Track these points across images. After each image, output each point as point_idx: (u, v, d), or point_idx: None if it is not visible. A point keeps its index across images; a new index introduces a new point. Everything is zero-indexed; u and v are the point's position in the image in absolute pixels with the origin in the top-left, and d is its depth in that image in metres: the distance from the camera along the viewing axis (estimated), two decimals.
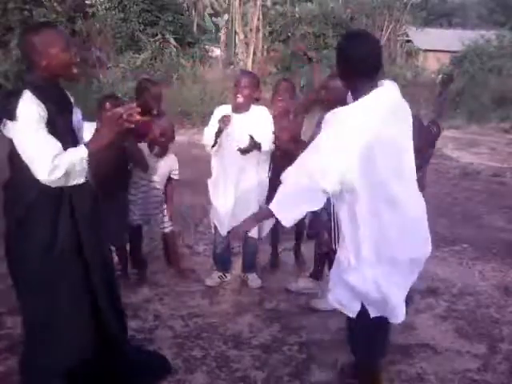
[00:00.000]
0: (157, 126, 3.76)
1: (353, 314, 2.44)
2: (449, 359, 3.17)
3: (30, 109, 2.18)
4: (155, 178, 3.88)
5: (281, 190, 2.34)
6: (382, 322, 2.44)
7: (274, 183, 4.03)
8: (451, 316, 3.69)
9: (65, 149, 2.26)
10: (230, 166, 3.78)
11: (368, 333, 2.47)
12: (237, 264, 4.29)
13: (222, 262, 4.10)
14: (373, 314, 2.39)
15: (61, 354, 2.42)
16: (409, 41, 23.55)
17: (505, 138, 11.92)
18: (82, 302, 2.44)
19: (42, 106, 2.22)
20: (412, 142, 2.38)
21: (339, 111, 2.30)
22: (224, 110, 3.85)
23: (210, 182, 3.97)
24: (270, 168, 4.03)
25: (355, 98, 2.30)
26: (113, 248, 3.91)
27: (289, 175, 2.35)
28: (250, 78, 3.83)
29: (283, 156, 3.77)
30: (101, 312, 2.51)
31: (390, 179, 2.26)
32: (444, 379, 2.97)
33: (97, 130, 2.39)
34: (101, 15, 13.51)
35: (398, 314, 2.41)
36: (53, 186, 2.24)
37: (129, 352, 2.80)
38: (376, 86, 2.29)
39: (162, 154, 3.88)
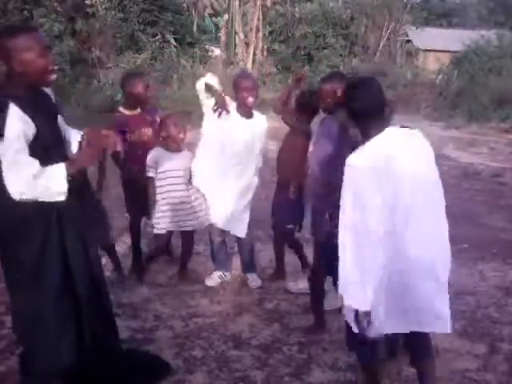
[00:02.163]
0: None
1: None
2: (449, 359, 3.17)
3: (15, 127, 2.12)
4: (178, 173, 3.82)
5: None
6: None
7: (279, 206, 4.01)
8: (451, 316, 3.68)
9: (56, 158, 2.26)
10: (232, 168, 3.79)
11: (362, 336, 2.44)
12: (237, 264, 4.29)
13: (220, 260, 4.10)
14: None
15: (54, 354, 2.43)
16: (409, 41, 23.54)
17: (505, 138, 11.91)
18: (67, 303, 2.44)
19: (29, 120, 2.16)
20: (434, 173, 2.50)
21: (351, 162, 2.32)
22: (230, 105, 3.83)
23: (202, 181, 3.89)
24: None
25: (364, 139, 2.38)
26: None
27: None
28: (254, 79, 3.92)
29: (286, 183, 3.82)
30: (86, 314, 2.51)
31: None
32: (444, 379, 2.97)
33: (81, 150, 2.35)
34: (101, 15, 13.48)
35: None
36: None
37: (125, 353, 2.80)
38: (386, 126, 2.37)
39: (177, 149, 3.85)
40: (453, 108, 14.50)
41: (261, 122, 3.89)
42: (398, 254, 2.30)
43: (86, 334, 2.51)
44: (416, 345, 2.64)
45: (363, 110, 2.37)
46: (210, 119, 3.79)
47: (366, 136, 2.37)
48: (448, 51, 21.85)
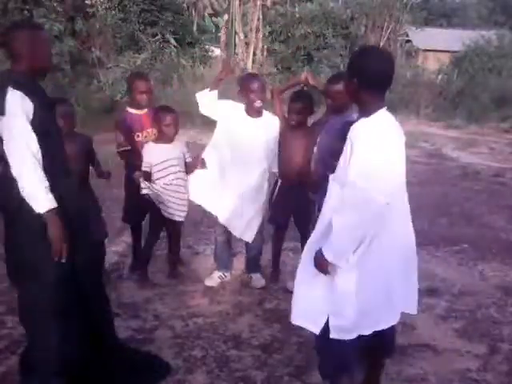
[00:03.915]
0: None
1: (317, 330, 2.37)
2: (449, 359, 3.17)
3: (16, 104, 2.26)
4: (173, 162, 3.84)
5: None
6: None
7: (280, 203, 3.99)
8: (451, 316, 3.69)
9: (54, 147, 2.39)
10: (238, 167, 3.78)
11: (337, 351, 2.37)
12: (237, 264, 4.29)
13: (222, 260, 4.09)
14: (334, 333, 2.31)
15: (56, 348, 2.43)
16: (409, 41, 23.53)
17: (505, 138, 11.92)
18: (66, 298, 2.46)
19: (27, 99, 2.29)
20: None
21: (365, 128, 2.24)
22: (237, 107, 3.83)
23: (209, 181, 3.91)
24: (273, 186, 4.03)
25: (366, 113, 2.27)
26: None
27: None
28: (262, 81, 3.86)
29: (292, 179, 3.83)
30: (89, 307, 2.54)
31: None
32: (444, 379, 2.97)
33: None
34: (101, 15, 13.47)
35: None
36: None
37: (125, 353, 2.81)
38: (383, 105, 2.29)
39: (168, 141, 3.86)
40: (453, 108, 14.50)
41: (271, 122, 3.86)
42: (396, 228, 2.29)
43: (86, 333, 2.52)
44: (386, 341, 2.56)
45: (376, 77, 2.24)
46: (221, 122, 3.84)
47: (366, 111, 2.26)
48: (448, 51, 21.87)
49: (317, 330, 2.37)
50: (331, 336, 2.31)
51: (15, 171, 2.25)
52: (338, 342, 2.32)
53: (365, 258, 2.25)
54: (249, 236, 3.93)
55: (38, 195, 2.26)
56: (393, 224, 2.27)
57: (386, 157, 2.17)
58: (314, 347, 2.58)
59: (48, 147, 2.34)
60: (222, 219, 3.89)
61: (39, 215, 2.28)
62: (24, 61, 2.37)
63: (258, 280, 4.07)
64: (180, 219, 3.97)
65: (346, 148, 2.27)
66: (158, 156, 3.82)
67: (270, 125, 3.85)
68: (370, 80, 2.24)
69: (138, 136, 3.93)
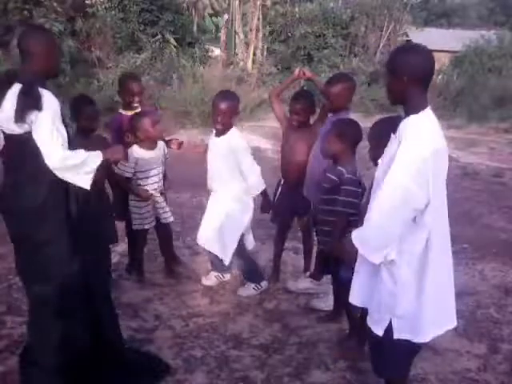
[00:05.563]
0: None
1: (381, 331, 2.35)
2: (449, 359, 3.17)
3: (54, 102, 2.36)
4: (159, 170, 3.88)
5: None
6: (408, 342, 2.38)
7: (282, 203, 3.99)
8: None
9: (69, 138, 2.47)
10: (211, 187, 3.83)
11: (396, 351, 2.40)
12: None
13: (217, 264, 4.02)
14: (397, 333, 2.33)
15: (58, 345, 2.45)
16: (409, 41, 23.54)
17: (505, 138, 11.90)
18: (76, 294, 2.49)
19: (55, 98, 2.38)
20: None
21: (416, 125, 2.20)
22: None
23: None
24: (277, 188, 4.03)
25: (415, 110, 2.22)
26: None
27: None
28: (228, 103, 3.60)
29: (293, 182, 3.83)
30: (95, 308, 2.58)
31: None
32: (444, 379, 2.97)
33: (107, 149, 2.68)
34: (101, 15, 13.48)
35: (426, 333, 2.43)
36: (59, 175, 2.37)
37: (126, 351, 2.82)
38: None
39: (155, 146, 3.86)
40: (453, 108, 14.50)
41: (232, 139, 3.67)
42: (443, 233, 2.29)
43: (89, 333, 2.53)
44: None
45: (426, 74, 2.23)
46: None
47: (415, 108, 2.22)
48: (448, 51, 21.87)
49: (380, 332, 2.36)
50: (395, 336, 2.33)
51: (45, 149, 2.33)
52: (401, 343, 2.37)
53: (424, 263, 2.25)
54: (225, 260, 3.83)
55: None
56: (437, 238, 2.26)
57: (435, 157, 2.15)
58: (372, 348, 2.54)
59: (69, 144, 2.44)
60: (203, 244, 3.93)
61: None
62: (39, 62, 2.40)
63: (243, 290, 3.94)
64: (166, 221, 4.02)
65: (392, 145, 2.26)
66: (143, 163, 3.79)
67: (230, 144, 3.66)
68: (420, 78, 2.22)
69: (128, 137, 3.85)
